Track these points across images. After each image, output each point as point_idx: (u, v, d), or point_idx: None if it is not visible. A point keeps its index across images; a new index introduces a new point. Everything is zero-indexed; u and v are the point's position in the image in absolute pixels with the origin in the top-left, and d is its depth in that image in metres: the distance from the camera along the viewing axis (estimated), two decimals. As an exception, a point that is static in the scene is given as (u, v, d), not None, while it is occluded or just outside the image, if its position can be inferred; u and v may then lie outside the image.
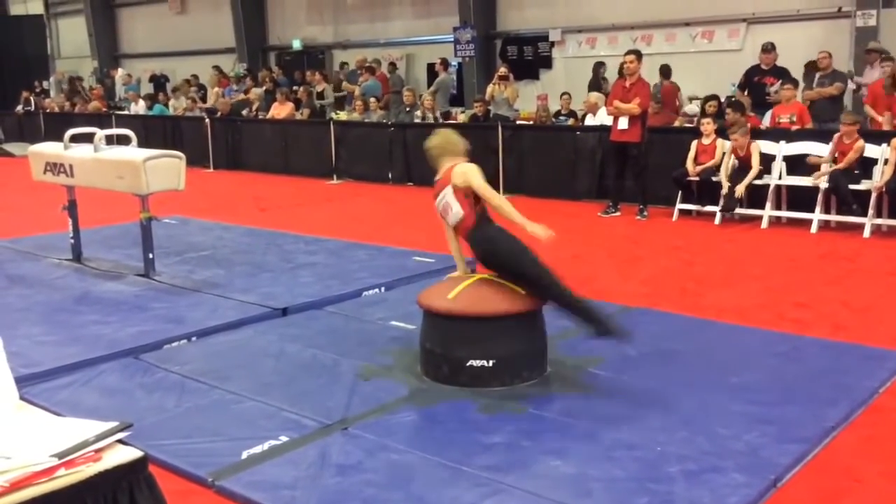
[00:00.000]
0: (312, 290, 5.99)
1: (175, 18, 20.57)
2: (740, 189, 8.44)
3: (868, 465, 3.43)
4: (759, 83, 10.21)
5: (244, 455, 3.49)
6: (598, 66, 12.89)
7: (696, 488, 3.16)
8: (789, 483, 3.28)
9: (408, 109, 12.79)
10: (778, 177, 8.62)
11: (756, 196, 8.59)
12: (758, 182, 8.54)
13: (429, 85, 14.83)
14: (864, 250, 7.40)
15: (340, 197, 11.20)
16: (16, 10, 24.47)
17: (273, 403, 4.02)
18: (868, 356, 4.57)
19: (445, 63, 14.38)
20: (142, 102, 17.04)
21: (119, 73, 20.16)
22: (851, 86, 10.29)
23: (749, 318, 5.35)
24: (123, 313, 5.52)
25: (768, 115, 9.53)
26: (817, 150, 8.52)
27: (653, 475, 3.27)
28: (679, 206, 8.98)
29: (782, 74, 9.90)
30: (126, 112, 17.00)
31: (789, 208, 8.61)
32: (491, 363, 4.14)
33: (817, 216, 8.21)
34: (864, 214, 7.92)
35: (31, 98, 19.65)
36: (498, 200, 4.28)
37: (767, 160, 8.69)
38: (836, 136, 8.32)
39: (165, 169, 6.24)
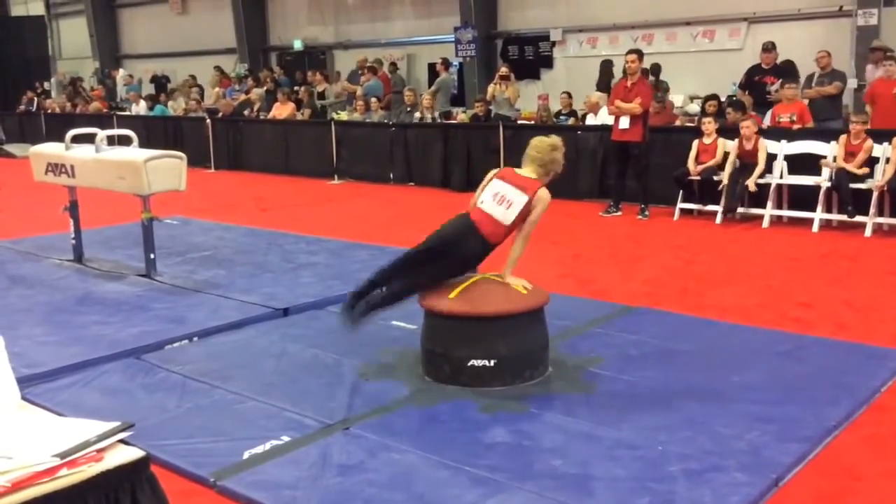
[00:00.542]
0: (314, 291, 5.99)
1: (176, 19, 20.58)
2: (751, 183, 8.42)
3: (870, 465, 3.43)
4: (759, 82, 10.21)
5: (246, 455, 3.49)
6: (607, 65, 12.78)
7: (697, 487, 3.16)
8: (791, 482, 3.28)
9: (409, 109, 12.79)
10: (779, 176, 8.62)
11: (757, 195, 8.58)
12: (759, 181, 8.53)
13: (430, 85, 14.83)
14: (866, 249, 7.40)
15: (341, 197, 11.20)
16: (17, 10, 24.49)
17: (274, 403, 4.02)
18: (870, 355, 4.57)
19: (446, 63, 14.38)
20: (143, 103, 17.05)
21: (120, 74, 20.17)
22: (851, 85, 10.28)
23: (750, 318, 5.35)
24: (125, 314, 5.52)
25: (769, 114, 9.52)
26: (818, 149, 8.51)
27: (654, 474, 3.27)
28: (680, 205, 8.98)
29: (783, 73, 9.90)
30: (127, 113, 17.01)
31: (790, 208, 8.61)
32: (492, 363, 4.14)
33: (819, 215, 8.21)
34: (862, 214, 7.92)
35: (35, 98, 19.68)
36: (525, 241, 4.28)
37: (769, 159, 8.69)
38: (843, 136, 8.31)
39: (167, 169, 6.25)
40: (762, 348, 4.70)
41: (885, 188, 7.88)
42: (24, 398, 2.44)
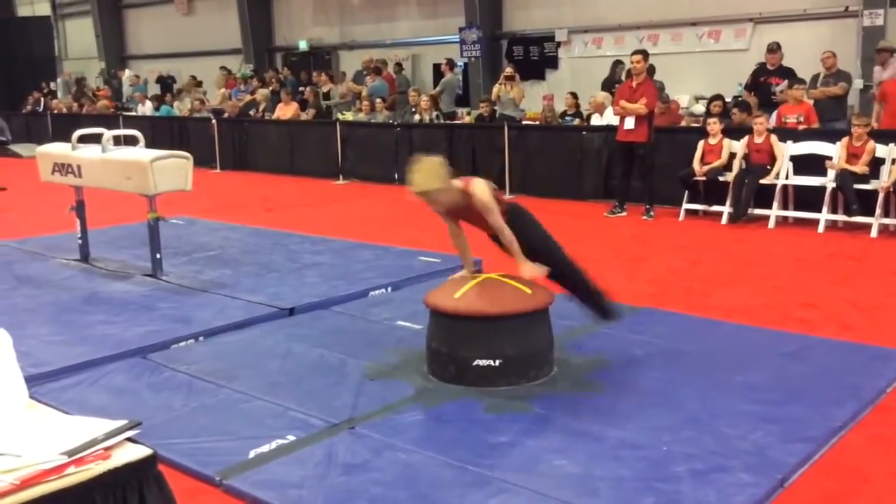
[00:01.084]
0: (319, 290, 6.00)
1: (182, 19, 20.62)
2: (772, 177, 8.41)
3: (875, 465, 3.42)
4: (765, 83, 10.20)
5: (251, 454, 3.50)
6: (616, 65, 12.72)
7: (702, 488, 3.16)
8: (796, 483, 3.28)
9: (413, 110, 12.80)
10: (785, 176, 8.61)
11: (763, 196, 8.57)
12: (765, 182, 8.52)
13: (435, 85, 14.84)
14: (872, 250, 7.39)
15: (346, 197, 11.22)
16: (23, 11, 24.56)
17: (280, 403, 4.03)
18: (875, 356, 4.56)
19: (451, 63, 14.38)
20: (149, 103, 17.08)
21: (126, 74, 20.22)
22: (857, 85, 10.26)
23: (756, 318, 5.34)
24: (131, 313, 5.53)
25: (774, 114, 9.51)
26: (824, 149, 8.50)
27: (659, 475, 3.27)
28: (685, 205, 8.98)
29: (788, 74, 9.89)
30: (133, 113, 17.05)
31: (796, 208, 8.60)
32: (497, 363, 4.14)
33: (824, 216, 8.20)
34: (868, 215, 7.91)
35: (41, 98, 19.73)
36: (505, 235, 4.19)
37: (774, 160, 8.68)
38: (846, 138, 8.30)
39: (173, 169, 6.26)
40: (767, 349, 4.69)
41: (892, 189, 7.86)
42: (30, 397, 2.45)
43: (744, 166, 8.71)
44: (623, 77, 11.05)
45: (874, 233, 7.85)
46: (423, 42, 16.26)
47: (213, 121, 14.60)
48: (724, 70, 11.89)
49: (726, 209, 8.65)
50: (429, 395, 4.13)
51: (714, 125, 8.99)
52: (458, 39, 15.16)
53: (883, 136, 8.27)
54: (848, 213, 8.03)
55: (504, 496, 3.14)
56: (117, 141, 7.21)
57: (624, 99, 9.03)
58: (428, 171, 4.06)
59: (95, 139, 6.66)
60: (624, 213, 9.21)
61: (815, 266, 6.86)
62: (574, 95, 12.29)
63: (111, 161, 6.44)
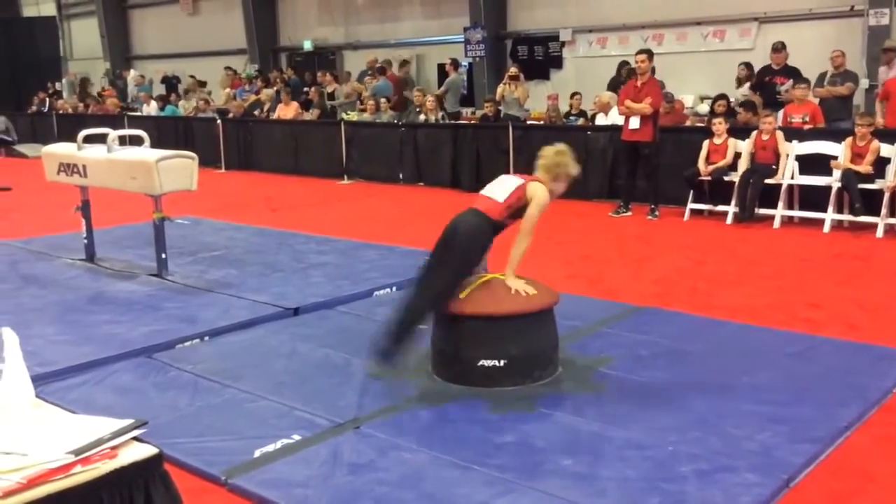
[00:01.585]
0: (324, 290, 6.01)
1: (187, 20, 20.66)
2: (778, 177, 8.40)
3: (881, 465, 3.42)
4: (770, 83, 10.18)
5: (257, 453, 3.50)
6: (622, 66, 12.65)
7: (708, 488, 3.16)
8: (802, 483, 3.27)
9: (418, 110, 12.80)
10: (790, 176, 8.59)
11: (768, 196, 8.56)
12: (770, 182, 8.51)
13: (439, 85, 14.85)
14: (877, 250, 7.37)
15: (351, 197, 11.22)
16: (28, 11, 24.63)
17: (285, 402, 4.03)
18: (881, 356, 4.55)
19: (455, 63, 14.39)
20: (154, 103, 17.11)
21: (131, 74, 20.26)
22: (863, 85, 10.24)
23: (761, 318, 5.33)
24: (136, 313, 5.54)
25: (780, 114, 9.50)
26: (829, 149, 8.48)
27: (665, 475, 3.26)
28: (690, 205, 8.97)
29: (793, 74, 9.87)
30: (138, 113, 17.08)
31: (801, 208, 8.58)
32: (502, 363, 4.14)
33: (830, 216, 8.18)
34: (873, 215, 7.89)
35: (46, 98, 19.77)
36: (525, 237, 4.24)
37: (780, 160, 8.66)
38: (850, 138, 8.28)
39: (178, 169, 6.27)
40: (772, 349, 4.69)
41: (897, 188, 7.85)
42: (37, 396, 2.46)
43: (749, 166, 8.70)
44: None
45: (880, 233, 7.83)
46: (428, 42, 16.27)
47: (218, 121, 14.62)
48: (730, 70, 11.86)
49: (731, 209, 8.64)
50: (434, 395, 4.12)
51: (719, 125, 8.98)
52: (462, 39, 15.17)
53: (887, 136, 8.26)
54: (853, 212, 8.01)
55: (510, 496, 3.13)
56: (122, 141, 7.22)
57: (629, 98, 9.02)
58: (558, 158, 4.42)
59: (101, 139, 6.67)
60: (629, 213, 9.20)
61: (820, 266, 6.84)
62: (579, 95, 12.28)
63: (116, 161, 6.45)
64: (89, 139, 6.88)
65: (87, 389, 4.27)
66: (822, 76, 9.79)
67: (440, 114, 12.53)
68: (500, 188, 4.33)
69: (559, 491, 3.16)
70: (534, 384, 4.19)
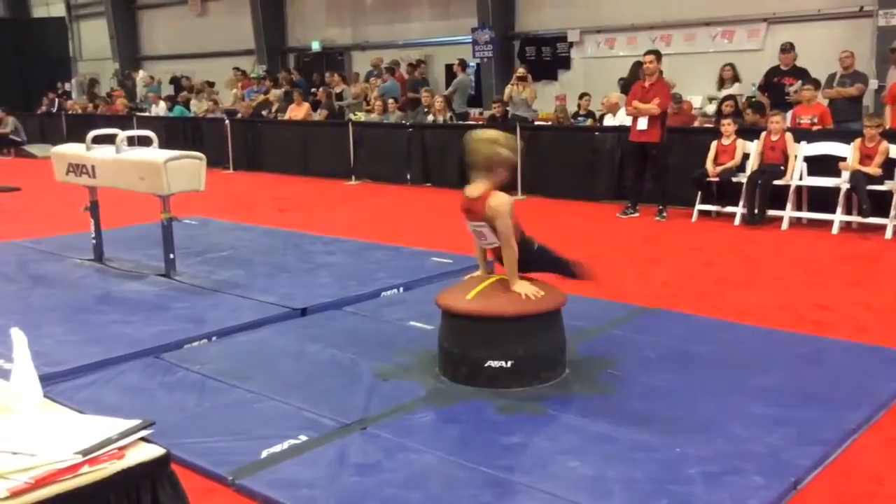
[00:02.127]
0: (331, 291, 6.01)
1: (195, 20, 20.71)
2: (787, 178, 8.41)
3: (890, 468, 3.40)
4: (778, 83, 10.15)
5: (264, 454, 3.51)
6: (637, 65, 12.48)
7: (715, 490, 3.15)
8: (810, 485, 3.26)
9: (426, 110, 12.81)
10: (799, 177, 8.57)
11: (776, 197, 8.53)
12: (778, 183, 8.49)
13: (447, 86, 14.85)
14: (886, 251, 7.34)
15: (359, 198, 11.23)
16: (38, 12, 24.74)
17: (292, 403, 4.04)
18: (890, 358, 4.54)
19: (463, 64, 14.39)
20: (162, 104, 17.16)
21: (140, 75, 20.32)
22: (872, 86, 10.20)
23: (769, 320, 5.32)
24: (144, 313, 5.56)
25: (788, 115, 9.47)
26: (838, 150, 8.46)
27: (672, 476, 3.26)
28: (698, 206, 8.95)
29: (802, 75, 9.84)
30: (147, 114, 17.14)
31: (810, 209, 8.55)
32: (509, 364, 4.14)
33: (838, 217, 8.15)
34: (882, 216, 7.86)
35: (56, 99, 19.84)
36: (508, 249, 4.14)
37: (788, 161, 8.63)
38: (858, 139, 8.25)
39: (186, 170, 6.29)
40: (781, 351, 4.67)
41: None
42: (45, 396, 2.46)
43: (756, 168, 8.67)
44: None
45: (889, 234, 7.80)
46: (436, 42, 16.27)
47: (227, 121, 14.65)
48: (739, 70, 11.83)
49: (739, 210, 8.62)
50: (441, 396, 4.12)
51: (728, 126, 8.96)
52: (470, 40, 15.17)
53: (893, 138, 8.21)
54: (861, 214, 7.98)
55: (517, 497, 3.13)
56: (131, 141, 7.24)
57: (637, 99, 9.00)
58: (489, 143, 4.17)
59: (109, 140, 6.69)
60: (637, 214, 9.18)
61: (828, 267, 6.82)
62: (588, 96, 12.24)
63: (125, 161, 6.47)
64: (98, 140, 6.91)
65: (95, 389, 4.28)
66: (831, 77, 9.75)
67: (448, 114, 12.53)
68: (484, 238, 4.22)
69: (567, 493, 3.15)
70: (541, 385, 4.18)
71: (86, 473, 1.99)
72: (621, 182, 9.97)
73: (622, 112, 10.33)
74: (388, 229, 8.61)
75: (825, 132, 8.81)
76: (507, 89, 12.26)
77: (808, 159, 8.63)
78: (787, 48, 10.20)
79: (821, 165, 8.56)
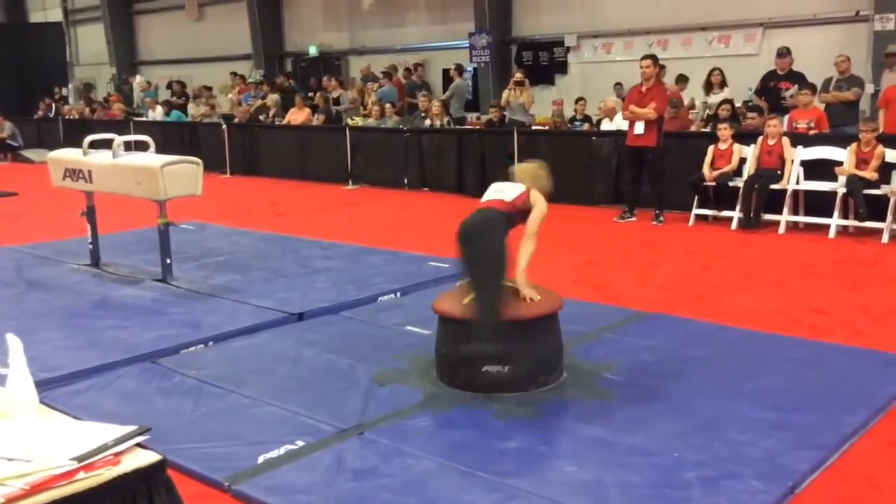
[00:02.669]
0: (328, 296, 6.01)
1: (192, 25, 20.73)
2: (784, 182, 8.40)
3: (887, 472, 3.40)
4: (774, 88, 10.17)
5: (260, 459, 3.50)
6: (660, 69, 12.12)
7: (713, 494, 3.15)
8: (807, 490, 3.26)
9: (423, 115, 12.82)
10: (795, 182, 8.58)
11: (773, 201, 8.54)
12: (775, 187, 8.50)
13: (444, 91, 14.86)
14: (883, 255, 7.35)
15: (356, 202, 11.23)
16: (35, 17, 24.75)
17: (289, 408, 4.03)
18: (887, 362, 4.54)
19: (460, 68, 14.40)
20: (159, 108, 17.15)
21: (137, 80, 20.32)
22: (868, 90, 10.22)
23: (766, 324, 5.32)
24: (141, 318, 5.55)
25: (785, 119, 9.48)
26: (835, 154, 8.47)
27: (669, 481, 3.25)
28: (695, 211, 8.95)
29: (798, 79, 9.86)
30: (144, 118, 17.13)
31: (807, 213, 8.56)
32: (506, 369, 4.13)
33: (835, 221, 8.16)
34: (878, 220, 7.86)
35: (53, 104, 19.83)
36: (530, 241, 4.28)
37: (785, 165, 8.65)
38: (854, 144, 8.27)
39: (183, 175, 6.28)
40: (778, 355, 4.67)
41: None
42: (41, 402, 2.46)
43: (753, 172, 8.68)
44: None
45: (885, 238, 7.80)
46: (433, 47, 16.29)
47: (224, 126, 14.65)
48: (735, 75, 11.85)
49: (736, 214, 8.63)
50: (438, 401, 4.12)
51: (724, 130, 8.97)
52: (467, 45, 15.18)
53: (887, 142, 8.23)
54: (858, 218, 8.00)
55: (514, 502, 3.13)
56: (128, 146, 7.24)
57: (633, 103, 9.02)
58: (533, 171, 4.56)
59: (106, 145, 6.69)
60: (634, 219, 9.19)
61: (825, 271, 6.83)
62: (584, 100, 12.27)
63: (122, 166, 6.47)
64: (95, 144, 6.90)
65: (91, 395, 4.28)
66: (827, 82, 9.77)
67: (446, 119, 12.54)
68: (504, 192, 4.37)
69: (564, 497, 3.15)
70: (538, 390, 4.18)
71: (81, 479, 1.99)
72: (618, 186, 9.98)
73: (619, 116, 10.34)
74: (385, 234, 8.61)
75: (821, 136, 8.83)
76: (505, 94, 12.27)
77: (804, 163, 8.63)
78: (784, 53, 10.21)
79: (817, 170, 8.57)
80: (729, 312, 5.61)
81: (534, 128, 11.96)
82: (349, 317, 5.59)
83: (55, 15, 24.10)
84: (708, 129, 10.02)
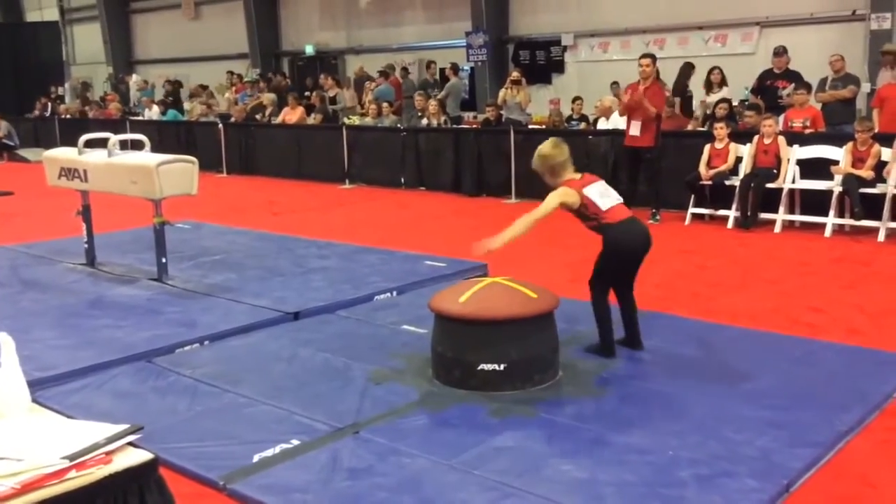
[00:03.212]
0: (324, 295, 6.00)
1: (189, 25, 20.71)
2: (779, 181, 8.41)
3: (882, 471, 3.40)
4: (771, 87, 10.17)
5: (256, 458, 3.50)
6: (688, 69, 11.52)
7: (708, 493, 3.15)
8: (802, 488, 3.26)
9: (420, 114, 12.81)
10: (791, 181, 8.58)
11: (769, 200, 8.55)
12: (771, 186, 8.50)
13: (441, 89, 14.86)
14: (879, 254, 7.36)
15: (353, 201, 11.23)
16: (32, 16, 24.72)
17: (285, 407, 4.03)
18: (882, 361, 4.54)
19: (455, 68, 14.39)
20: (156, 108, 17.13)
21: (134, 79, 20.30)
22: (864, 89, 10.23)
23: (762, 323, 5.32)
24: (136, 317, 5.54)
25: (781, 118, 9.49)
26: (831, 153, 8.48)
27: (664, 480, 3.25)
28: (691, 210, 8.96)
29: (795, 78, 9.87)
30: (140, 117, 17.12)
31: (803, 212, 8.57)
32: (502, 367, 4.13)
33: (831, 220, 8.16)
34: (874, 219, 7.87)
35: (49, 103, 19.81)
36: (526, 218, 4.50)
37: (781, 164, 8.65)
38: (850, 143, 8.28)
39: (178, 174, 6.27)
40: (774, 353, 4.67)
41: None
42: (35, 401, 2.46)
43: (750, 170, 8.68)
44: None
45: (881, 237, 7.81)
46: (430, 46, 16.28)
47: (220, 125, 14.63)
48: (732, 74, 11.86)
49: (732, 213, 8.63)
50: (434, 400, 4.12)
51: (720, 129, 8.97)
52: (464, 44, 15.18)
53: (881, 140, 8.23)
54: (854, 217, 8.00)
55: (509, 501, 3.12)
56: (124, 145, 7.22)
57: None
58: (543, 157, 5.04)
59: (102, 144, 6.68)
60: (630, 218, 9.17)
61: (821, 270, 6.83)
62: (581, 99, 12.28)
63: (117, 165, 6.45)
64: (90, 144, 6.89)
65: (86, 394, 4.27)
66: (823, 81, 9.78)
67: (442, 118, 12.54)
68: (610, 194, 5.10)
69: (559, 496, 3.15)
70: (534, 388, 4.18)
71: (73, 478, 1.99)
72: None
73: (615, 115, 10.34)
74: (381, 233, 8.60)
75: (818, 135, 8.83)
76: (501, 93, 12.26)
77: (800, 162, 8.64)
78: (780, 52, 10.22)
79: (813, 169, 8.58)
80: (725, 311, 5.61)
81: (530, 127, 11.97)
82: (345, 316, 5.58)
83: (52, 14, 24.06)
84: (705, 129, 10.02)
